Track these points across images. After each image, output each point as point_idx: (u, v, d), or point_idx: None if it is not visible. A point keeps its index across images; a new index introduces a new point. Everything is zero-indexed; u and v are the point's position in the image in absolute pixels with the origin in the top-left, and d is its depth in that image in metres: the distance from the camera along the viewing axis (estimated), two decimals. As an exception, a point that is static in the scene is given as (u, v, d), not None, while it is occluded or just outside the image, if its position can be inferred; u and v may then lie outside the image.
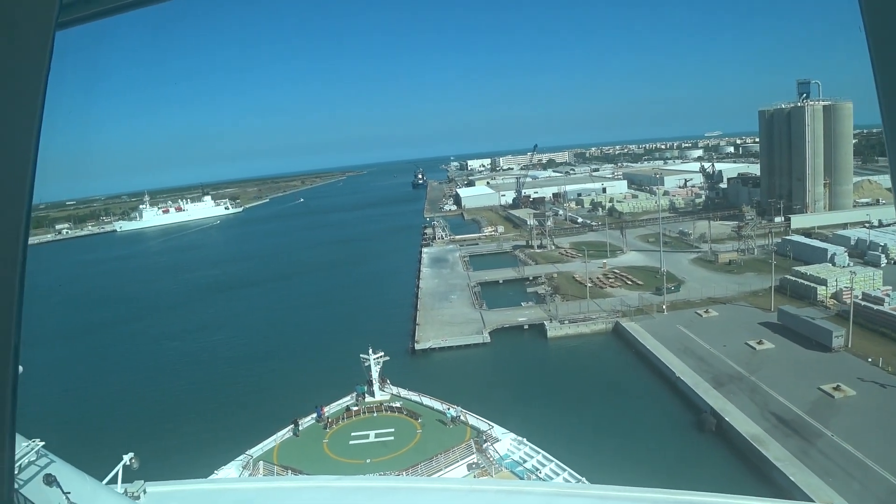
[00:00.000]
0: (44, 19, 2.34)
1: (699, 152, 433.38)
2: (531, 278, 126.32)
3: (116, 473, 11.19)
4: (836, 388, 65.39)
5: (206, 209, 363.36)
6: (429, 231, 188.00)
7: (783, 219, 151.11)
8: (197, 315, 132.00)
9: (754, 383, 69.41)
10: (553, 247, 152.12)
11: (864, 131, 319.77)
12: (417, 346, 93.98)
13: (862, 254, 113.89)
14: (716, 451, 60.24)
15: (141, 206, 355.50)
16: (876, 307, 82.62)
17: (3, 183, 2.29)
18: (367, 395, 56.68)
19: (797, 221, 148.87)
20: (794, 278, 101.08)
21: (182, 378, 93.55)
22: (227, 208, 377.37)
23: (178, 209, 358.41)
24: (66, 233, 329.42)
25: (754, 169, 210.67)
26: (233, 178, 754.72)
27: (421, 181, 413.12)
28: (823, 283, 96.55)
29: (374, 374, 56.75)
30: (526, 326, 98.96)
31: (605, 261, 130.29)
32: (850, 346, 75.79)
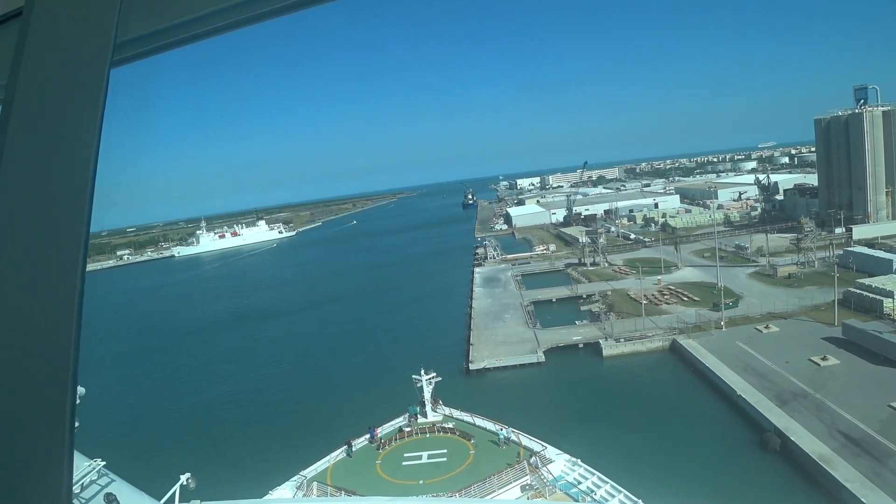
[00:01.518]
0: (100, 58, 2.49)
1: (753, 164, 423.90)
2: (585, 296, 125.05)
3: (174, 493, 11.51)
4: (909, 405, 62.79)
5: (260, 233, 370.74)
6: (480, 251, 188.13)
7: (844, 230, 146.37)
8: (252, 338, 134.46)
9: (820, 401, 67.00)
10: (606, 264, 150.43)
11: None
12: (472, 367, 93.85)
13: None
14: (780, 471, 58.20)
15: (198, 232, 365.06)
16: (947, 319, 79.29)
17: (63, 214, 2.40)
18: (419, 416, 56.86)
19: (859, 232, 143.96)
20: (858, 291, 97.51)
21: (238, 399, 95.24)
22: (280, 232, 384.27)
23: (234, 234, 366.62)
24: (127, 258, 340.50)
25: (811, 179, 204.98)
26: (286, 203, 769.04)
27: (471, 201, 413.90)
28: (890, 295, 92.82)
29: (427, 394, 56.91)
30: (581, 345, 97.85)
31: (659, 277, 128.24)
32: (921, 360, 72.73)
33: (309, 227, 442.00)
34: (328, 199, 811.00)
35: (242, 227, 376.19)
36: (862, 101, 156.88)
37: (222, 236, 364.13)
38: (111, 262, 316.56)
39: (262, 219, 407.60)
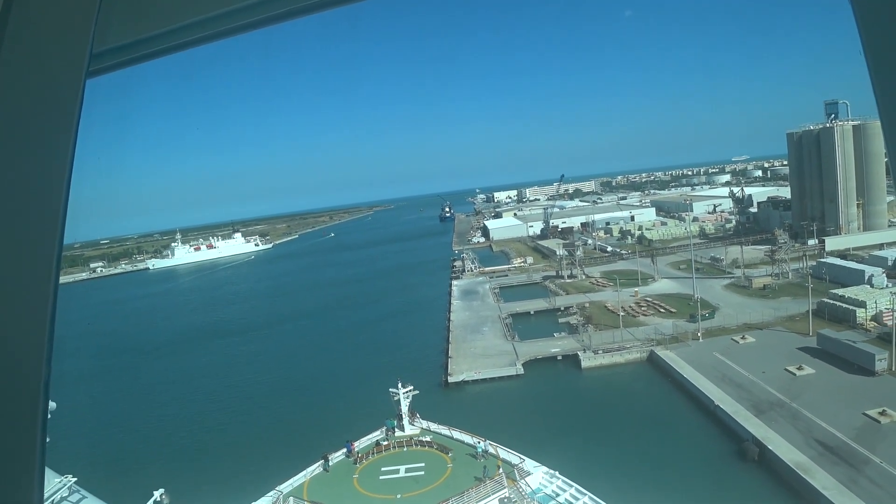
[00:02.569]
0: (75, 68, 2.49)
1: (727, 177, 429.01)
2: (562, 308, 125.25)
3: (147, 509, 11.10)
4: (882, 413, 63.46)
5: (236, 246, 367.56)
6: (458, 264, 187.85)
7: (817, 241, 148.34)
8: (228, 351, 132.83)
9: (796, 410, 67.61)
10: (583, 276, 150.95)
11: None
12: (451, 379, 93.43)
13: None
14: (759, 480, 58.57)
15: (173, 244, 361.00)
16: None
17: (35, 225, 2.39)
18: (396, 430, 56.34)
19: (831, 243, 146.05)
20: (831, 301, 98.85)
21: (213, 413, 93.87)
22: (256, 245, 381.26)
23: (209, 246, 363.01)
24: (101, 271, 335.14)
25: (784, 192, 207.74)
26: (262, 215, 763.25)
27: (448, 214, 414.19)
28: (862, 305, 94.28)
29: (404, 407, 56.45)
30: (559, 357, 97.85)
31: (636, 289, 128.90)
32: (893, 369, 73.61)
33: (285, 239, 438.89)
34: (305, 212, 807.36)
35: (218, 240, 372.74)
36: (833, 115, 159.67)
37: (198, 249, 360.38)
38: (84, 275, 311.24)
39: (238, 231, 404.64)
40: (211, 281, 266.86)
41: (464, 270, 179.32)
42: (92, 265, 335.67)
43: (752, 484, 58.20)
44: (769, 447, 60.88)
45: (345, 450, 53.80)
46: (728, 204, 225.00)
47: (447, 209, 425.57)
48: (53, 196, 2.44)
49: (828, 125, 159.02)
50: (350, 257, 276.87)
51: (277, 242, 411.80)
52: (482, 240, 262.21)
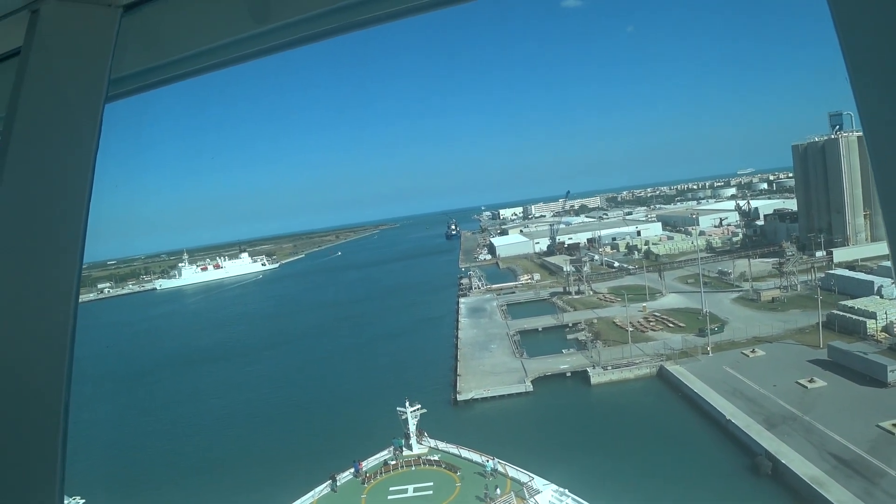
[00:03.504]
0: (95, 93, 2.63)
1: (732, 190, 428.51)
2: (571, 325, 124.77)
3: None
4: (896, 426, 62.79)
5: (243, 266, 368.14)
6: (465, 281, 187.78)
7: (825, 253, 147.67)
8: (235, 371, 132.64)
9: (809, 423, 66.88)
10: (591, 292, 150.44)
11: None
12: (460, 397, 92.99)
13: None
14: (773, 495, 57.89)
15: (180, 265, 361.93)
16: (931, 339, 79.67)
17: (57, 246, 2.47)
18: (404, 449, 56.05)
19: (839, 255, 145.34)
20: (841, 313, 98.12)
21: (219, 435, 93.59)
22: (263, 264, 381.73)
23: (217, 266, 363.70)
24: (108, 291, 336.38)
25: (790, 204, 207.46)
26: (269, 235, 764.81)
27: (454, 232, 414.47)
28: (873, 316, 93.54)
29: (412, 426, 56.27)
30: (568, 374, 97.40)
31: (644, 304, 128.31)
32: (906, 380, 72.97)
33: (292, 259, 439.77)
34: (311, 231, 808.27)
35: (225, 260, 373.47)
36: (837, 126, 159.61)
37: (205, 269, 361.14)
38: (92, 296, 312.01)
39: (245, 251, 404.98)
40: (218, 301, 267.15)
41: (471, 288, 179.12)
42: (99, 286, 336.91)
43: (767, 499, 57.54)
44: (782, 461, 60.20)
45: (352, 469, 53.63)
46: (734, 217, 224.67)
47: (453, 227, 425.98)
48: (75, 218, 2.51)
49: (832, 137, 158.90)
50: (357, 276, 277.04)
51: (284, 262, 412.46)
52: (488, 257, 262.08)
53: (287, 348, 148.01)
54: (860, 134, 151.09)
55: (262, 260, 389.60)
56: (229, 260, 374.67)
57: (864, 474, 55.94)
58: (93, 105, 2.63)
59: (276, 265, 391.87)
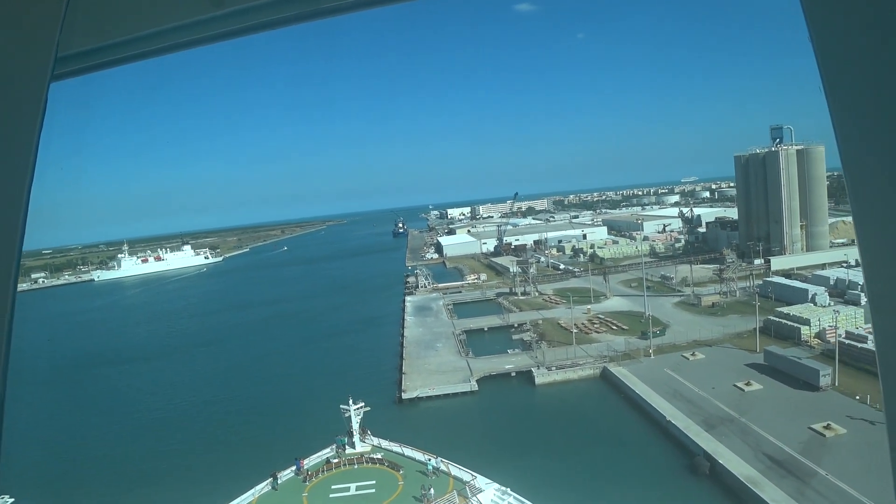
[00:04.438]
0: (40, 71, 2.48)
1: (676, 198, 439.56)
2: (516, 325, 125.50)
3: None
4: (827, 427, 65.08)
5: (185, 259, 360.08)
6: (411, 279, 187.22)
7: (763, 261, 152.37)
8: (177, 367, 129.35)
9: (745, 424, 68.75)
10: (537, 293, 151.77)
11: (836, 174, 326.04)
12: (405, 396, 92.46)
13: (842, 293, 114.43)
14: (710, 494, 59.20)
15: (119, 256, 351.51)
16: (860, 345, 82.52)
17: None
18: (347, 447, 55.40)
19: (777, 263, 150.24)
20: (777, 319, 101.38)
21: (156, 432, 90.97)
22: (206, 258, 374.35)
23: (158, 258, 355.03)
24: (43, 282, 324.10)
25: (731, 213, 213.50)
26: (213, 228, 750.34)
27: (402, 230, 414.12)
28: (807, 322, 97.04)
29: (355, 424, 55.66)
30: (513, 374, 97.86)
31: (589, 306, 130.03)
32: (836, 384, 75.88)
33: (236, 252, 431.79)
34: (256, 225, 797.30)
35: (167, 252, 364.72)
36: (778, 139, 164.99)
37: (145, 261, 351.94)
38: (25, 286, 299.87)
39: (187, 244, 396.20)
40: (158, 294, 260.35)
41: (417, 286, 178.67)
42: (33, 276, 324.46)
43: (704, 498, 58.78)
44: (720, 461, 61.67)
45: (294, 468, 52.68)
46: (677, 224, 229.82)
47: (400, 225, 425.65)
48: (14, 202, 2.38)
49: (773, 149, 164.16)
50: (302, 272, 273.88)
51: (228, 256, 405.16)
52: (435, 256, 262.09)
53: (229, 345, 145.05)
54: (799, 147, 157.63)
55: (205, 253, 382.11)
56: (171, 252, 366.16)
57: (796, 474, 57.76)
58: (37, 82, 2.44)
59: (220, 259, 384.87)
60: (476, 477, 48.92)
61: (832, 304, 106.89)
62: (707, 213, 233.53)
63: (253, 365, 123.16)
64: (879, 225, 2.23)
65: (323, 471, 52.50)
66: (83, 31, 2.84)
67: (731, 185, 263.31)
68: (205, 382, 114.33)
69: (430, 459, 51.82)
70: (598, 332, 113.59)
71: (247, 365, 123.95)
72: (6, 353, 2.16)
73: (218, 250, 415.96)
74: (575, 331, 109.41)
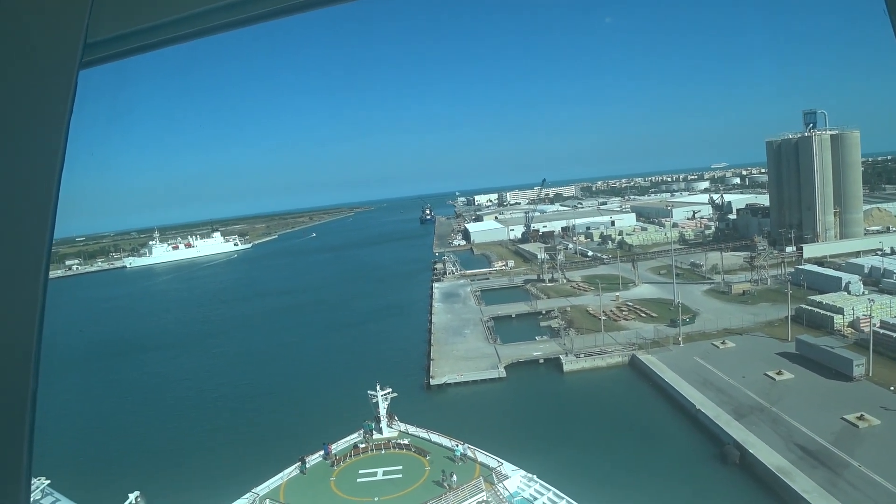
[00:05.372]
0: (68, 58, 2.47)
1: (705, 184, 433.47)
2: (544, 312, 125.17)
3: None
4: (860, 418, 63.87)
5: (215, 245, 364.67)
6: (439, 266, 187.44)
7: (795, 248, 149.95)
8: (211, 352, 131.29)
9: (776, 414, 67.86)
10: (565, 280, 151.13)
11: (871, 159, 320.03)
12: (433, 382, 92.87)
13: (876, 281, 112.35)
14: (740, 484, 58.58)
15: (151, 243, 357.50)
16: (895, 335, 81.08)
17: (26, 220, 2.35)
18: (374, 432, 55.81)
19: (809, 251, 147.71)
20: (809, 308, 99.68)
21: (191, 415, 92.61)
22: (235, 244, 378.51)
23: (188, 245, 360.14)
24: (76, 269, 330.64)
25: (762, 199, 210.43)
26: (241, 215, 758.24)
27: (429, 217, 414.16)
28: (840, 311, 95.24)
29: (382, 410, 55.96)
30: (541, 361, 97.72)
31: (617, 293, 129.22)
32: (870, 374, 74.38)
33: (265, 239, 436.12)
34: (284, 212, 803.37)
35: (197, 239, 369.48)
36: (811, 124, 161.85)
37: (176, 248, 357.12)
38: (59, 272, 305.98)
39: (217, 230, 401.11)
40: (188, 281, 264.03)
41: (445, 273, 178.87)
42: (67, 262, 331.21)
43: (733, 487, 58.22)
44: (750, 451, 60.95)
45: (322, 452, 53.18)
46: (707, 210, 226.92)
47: (428, 212, 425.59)
48: (45, 191, 2.37)
49: (806, 134, 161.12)
50: (331, 258, 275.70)
51: (257, 242, 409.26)
52: (463, 243, 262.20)
53: (259, 331, 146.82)
54: (833, 132, 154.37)
55: (234, 240, 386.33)
56: (201, 239, 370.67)
57: (828, 465, 56.87)
58: (66, 70, 2.43)
59: (249, 245, 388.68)
60: (502, 463, 49.01)
61: (866, 292, 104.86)
62: (738, 200, 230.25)
63: (283, 351, 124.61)
64: None
65: (350, 455, 52.90)
66: (112, 16, 2.83)
67: (763, 171, 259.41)
68: (235, 369, 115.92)
69: (457, 446, 51.99)
70: (627, 320, 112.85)
71: (277, 351, 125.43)
72: (38, 341, 2.17)
73: (247, 237, 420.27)
74: (603, 318, 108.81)
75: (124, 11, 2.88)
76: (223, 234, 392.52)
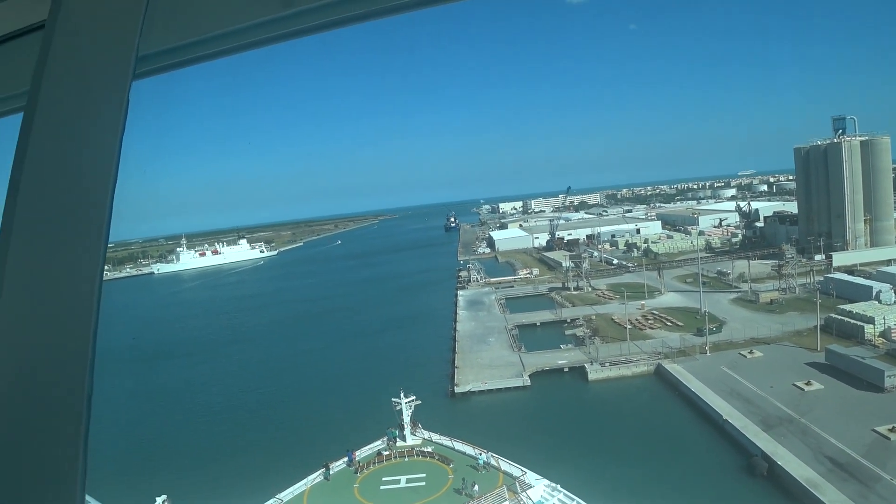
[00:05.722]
0: (122, 71, 2.54)
1: (732, 191, 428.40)
2: (569, 320, 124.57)
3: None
4: (892, 430, 62.77)
5: (241, 252, 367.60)
6: (463, 274, 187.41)
7: (824, 256, 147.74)
8: (238, 357, 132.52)
9: (805, 425, 66.90)
10: (590, 288, 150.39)
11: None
12: (457, 390, 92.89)
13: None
14: (768, 496, 57.90)
15: (178, 249, 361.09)
16: (928, 345, 79.67)
17: (82, 224, 2.41)
18: (398, 440, 56.01)
19: (838, 259, 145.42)
20: (839, 317, 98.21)
21: (216, 420, 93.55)
22: (261, 251, 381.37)
23: (215, 252, 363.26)
24: (106, 275, 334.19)
25: (790, 207, 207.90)
26: (267, 222, 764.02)
27: (453, 224, 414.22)
28: (871, 321, 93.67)
29: (406, 417, 56.19)
30: (566, 369, 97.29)
31: (643, 302, 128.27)
32: (903, 386, 72.97)
33: (290, 246, 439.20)
34: (309, 219, 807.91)
35: (223, 246, 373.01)
36: (840, 130, 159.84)
37: (203, 254, 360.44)
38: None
39: (243, 237, 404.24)
40: (215, 288, 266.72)
41: (469, 280, 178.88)
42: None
43: (761, 499, 57.53)
44: (778, 462, 60.24)
45: (346, 458, 53.55)
46: (734, 218, 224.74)
47: (452, 219, 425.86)
48: (101, 197, 2.44)
49: (835, 140, 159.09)
50: (356, 265, 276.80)
51: (282, 249, 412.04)
52: (487, 250, 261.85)
53: (284, 339, 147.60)
54: (863, 138, 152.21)
55: (260, 247, 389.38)
56: (227, 246, 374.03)
57: (859, 478, 55.94)
58: (120, 82, 2.51)
59: (275, 252, 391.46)
60: (526, 472, 48.94)
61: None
62: (765, 208, 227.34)
63: (307, 358, 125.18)
64: None
65: (374, 463, 53.24)
66: (162, 29, 2.96)
67: (791, 178, 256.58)
68: (260, 375, 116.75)
69: (480, 454, 52.10)
70: (653, 329, 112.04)
71: (301, 358, 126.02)
72: (92, 350, 2.22)
73: (273, 244, 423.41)
74: (629, 327, 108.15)
75: (173, 25, 3.04)
76: (249, 242, 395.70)
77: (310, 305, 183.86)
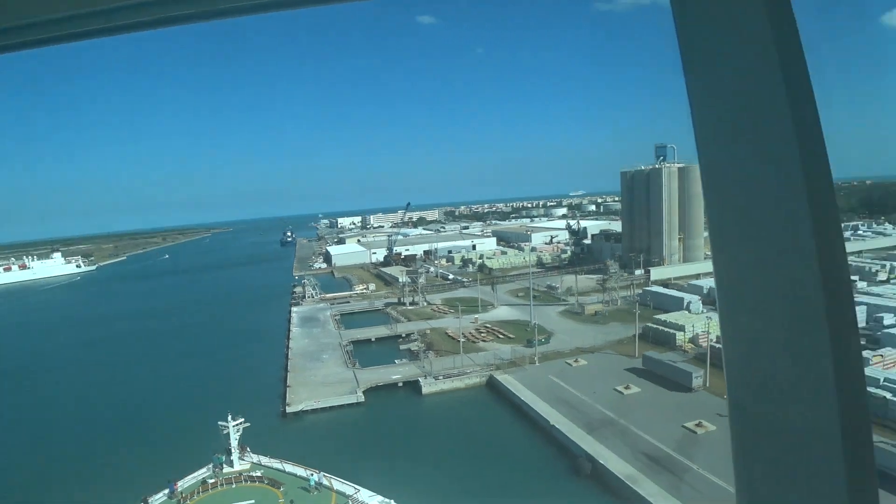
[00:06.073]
0: None
1: (563, 210, 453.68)
2: (404, 335, 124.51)
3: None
4: (698, 425, 68.56)
5: (54, 267, 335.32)
6: (298, 290, 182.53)
7: (643, 271, 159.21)
8: (46, 383, 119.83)
9: (624, 426, 71.17)
10: (425, 303, 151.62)
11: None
12: (289, 409, 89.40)
13: (714, 300, 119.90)
14: (593, 493, 60.64)
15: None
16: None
17: None
18: (225, 466, 52.86)
19: (656, 273, 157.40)
20: (654, 326, 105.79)
21: (19, 451, 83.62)
22: (78, 266, 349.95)
23: (22, 267, 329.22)
24: None
25: (615, 226, 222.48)
26: (87, 234, 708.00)
27: (290, 239, 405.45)
28: (681, 328, 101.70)
29: (234, 442, 53.21)
30: (400, 384, 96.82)
31: (476, 316, 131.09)
32: (708, 385, 79.79)
33: (112, 261, 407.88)
34: (135, 232, 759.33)
35: (34, 260, 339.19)
36: (662, 157, 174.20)
37: (8, 269, 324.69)
38: None
39: (58, 251, 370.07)
40: (23, 305, 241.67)
41: (304, 297, 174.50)
42: None
43: (586, 497, 60.09)
44: (601, 461, 63.62)
45: (167, 491, 49.67)
46: (564, 235, 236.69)
47: (289, 233, 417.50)
48: None
49: (657, 166, 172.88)
50: (184, 282, 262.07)
51: (103, 264, 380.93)
52: (324, 266, 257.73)
53: (98, 360, 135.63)
54: (681, 165, 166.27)
55: (76, 261, 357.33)
56: (38, 260, 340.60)
57: (671, 470, 60.57)
58: None
59: (94, 268, 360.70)
60: (359, 490, 48.03)
61: (705, 311, 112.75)
62: (593, 226, 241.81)
63: (125, 382, 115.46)
64: (729, 227, 2.22)
65: (199, 492, 49.96)
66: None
67: (617, 199, 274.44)
68: (70, 403, 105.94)
69: (312, 475, 50.52)
70: (485, 341, 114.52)
71: (118, 383, 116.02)
72: None
73: (92, 258, 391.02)
74: (462, 340, 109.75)
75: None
76: (65, 255, 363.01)
77: (127, 325, 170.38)
